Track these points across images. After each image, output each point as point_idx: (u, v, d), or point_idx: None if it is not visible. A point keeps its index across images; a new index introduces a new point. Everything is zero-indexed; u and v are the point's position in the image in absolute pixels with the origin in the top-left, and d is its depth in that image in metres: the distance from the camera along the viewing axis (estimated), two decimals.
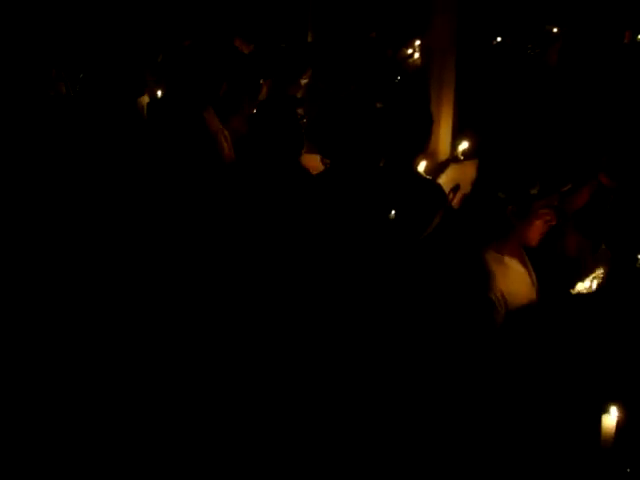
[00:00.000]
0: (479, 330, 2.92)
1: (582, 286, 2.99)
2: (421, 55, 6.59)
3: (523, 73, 6.64)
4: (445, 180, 4.23)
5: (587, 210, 3.70)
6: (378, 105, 4.54)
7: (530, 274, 3.15)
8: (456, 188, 3.95)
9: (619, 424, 2.24)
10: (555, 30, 9.29)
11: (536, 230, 3.03)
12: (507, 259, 3.05)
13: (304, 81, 6.36)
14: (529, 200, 2.99)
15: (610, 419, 2.18)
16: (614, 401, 2.26)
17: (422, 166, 4.21)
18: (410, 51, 7.37)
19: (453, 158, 4.56)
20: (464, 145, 4.61)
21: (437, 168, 4.46)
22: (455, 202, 3.84)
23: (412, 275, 3.30)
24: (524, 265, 3.14)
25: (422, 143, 4.01)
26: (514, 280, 3.04)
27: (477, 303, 2.94)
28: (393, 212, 3.35)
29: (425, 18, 5.14)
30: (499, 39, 8.12)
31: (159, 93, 5.83)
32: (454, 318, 2.97)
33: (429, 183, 3.94)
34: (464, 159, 4.57)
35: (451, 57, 5.03)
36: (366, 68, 6.30)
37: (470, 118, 5.21)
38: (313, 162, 4.08)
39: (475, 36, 7.16)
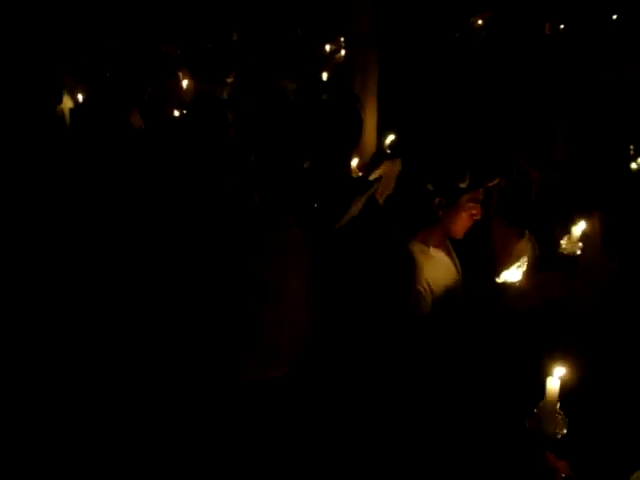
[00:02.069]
0: (407, 320, 2.95)
1: (507, 274, 3.02)
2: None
3: (447, 66, 6.72)
4: (379, 174, 4.24)
5: (511, 199, 3.75)
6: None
7: (455, 264, 3.19)
8: (379, 179, 3.97)
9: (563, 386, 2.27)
10: (480, 22, 9.45)
11: (462, 222, 3.08)
12: (433, 250, 3.09)
13: (229, 80, 6.33)
14: (457, 193, 3.03)
15: (554, 381, 2.21)
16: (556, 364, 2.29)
17: (355, 162, 4.22)
18: (335, 47, 7.37)
19: (384, 153, 4.57)
20: (391, 139, 4.63)
21: (370, 164, 4.47)
22: (380, 194, 3.86)
23: (336, 266, 3.32)
24: (449, 256, 3.18)
25: (353, 140, 4.04)
26: (440, 270, 3.07)
27: (404, 294, 2.96)
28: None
29: (346, 14, 5.15)
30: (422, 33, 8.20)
31: (80, 98, 5.72)
32: (382, 309, 2.98)
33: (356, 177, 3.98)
34: (391, 153, 4.59)
35: (373, 52, 5.06)
36: (292, 66, 6.28)
37: (394, 112, 5.25)
38: None
39: (397, 30, 7.22)
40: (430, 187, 3.01)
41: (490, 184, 3.12)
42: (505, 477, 2.37)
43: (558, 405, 2.26)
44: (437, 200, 3.02)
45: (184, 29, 8.16)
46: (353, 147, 4.10)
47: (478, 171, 3.04)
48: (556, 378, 2.19)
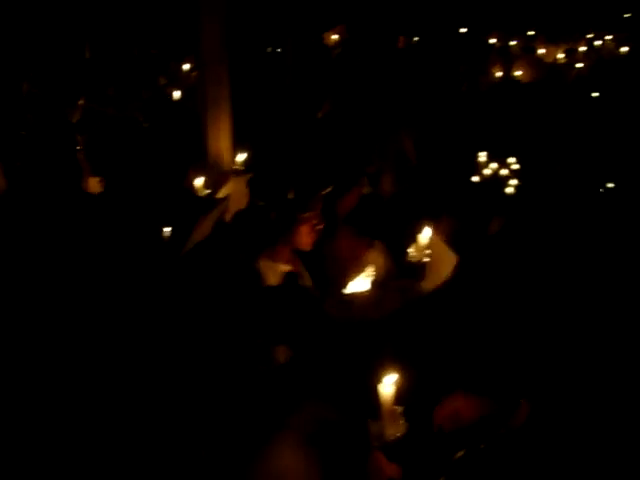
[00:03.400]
0: (257, 336, 2.94)
1: (354, 285, 3.07)
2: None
3: (299, 82, 6.81)
4: (226, 192, 4.23)
5: (361, 209, 3.82)
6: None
7: (305, 278, 3.21)
8: (224, 198, 3.97)
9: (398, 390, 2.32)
10: (333, 37, 9.66)
11: (304, 235, 3.10)
12: (280, 265, 3.10)
13: (80, 103, 6.18)
14: (288, 206, 3.05)
15: (386, 387, 2.27)
16: (387, 371, 2.34)
17: (200, 181, 4.18)
18: (188, 66, 7.34)
19: (233, 170, 4.57)
20: (243, 156, 4.64)
21: (218, 181, 4.45)
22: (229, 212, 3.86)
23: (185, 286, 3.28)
24: (298, 270, 3.20)
25: (192, 158, 4.02)
26: None
27: (254, 312, 2.95)
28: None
29: (195, 33, 5.12)
30: (269, 49, 8.29)
31: None
32: (230, 326, 2.97)
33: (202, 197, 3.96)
34: (245, 170, 4.60)
35: (224, 70, 5.05)
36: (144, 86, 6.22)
37: (248, 129, 5.27)
38: None
39: (246, 48, 7.26)
40: (261, 203, 3.03)
41: (322, 193, 3.16)
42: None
43: (399, 409, 2.31)
44: (272, 215, 3.04)
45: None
46: (189, 166, 4.07)
47: (305, 182, 3.08)
48: (388, 384, 2.24)
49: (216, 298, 3.04)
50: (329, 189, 3.18)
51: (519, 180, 6.08)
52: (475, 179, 5.96)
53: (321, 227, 3.13)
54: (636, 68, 9.07)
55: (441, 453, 2.18)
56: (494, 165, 6.12)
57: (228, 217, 3.74)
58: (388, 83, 7.25)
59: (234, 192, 4.10)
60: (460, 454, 2.17)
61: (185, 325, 3.07)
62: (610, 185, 6.16)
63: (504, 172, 6.15)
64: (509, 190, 6.02)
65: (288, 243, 3.13)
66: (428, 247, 3.44)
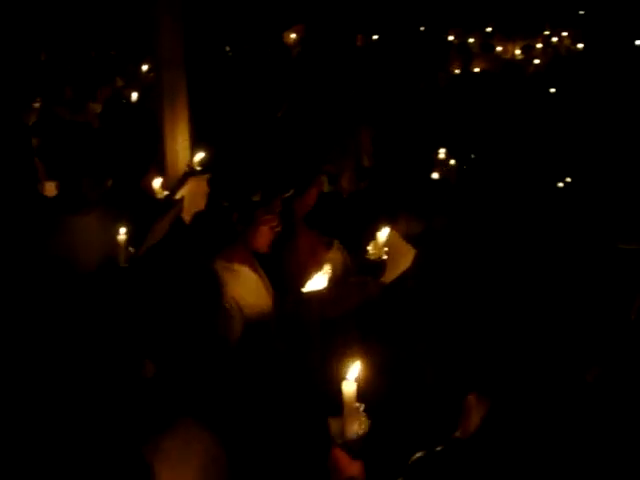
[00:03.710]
0: (215, 338, 2.93)
1: (312, 283, 3.07)
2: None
3: (259, 81, 6.80)
4: (184, 193, 4.21)
5: (318, 209, 3.83)
6: None
7: (263, 279, 3.21)
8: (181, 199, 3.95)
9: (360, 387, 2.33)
10: (292, 36, 9.66)
11: (262, 236, 3.10)
12: (237, 266, 3.09)
13: (36, 105, 6.12)
14: (252, 207, 3.05)
15: (349, 384, 2.27)
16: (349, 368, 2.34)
17: (157, 182, 4.16)
18: (147, 67, 7.29)
19: (191, 170, 4.55)
20: (200, 156, 4.62)
21: (176, 182, 4.43)
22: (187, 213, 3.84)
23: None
24: (255, 271, 3.19)
25: (146, 160, 3.99)
26: (246, 287, 3.08)
27: (210, 313, 2.94)
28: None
29: (152, 34, 5.09)
30: (228, 49, 8.27)
31: None
32: (191, 328, 2.95)
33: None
34: (202, 170, 4.58)
35: (181, 71, 5.02)
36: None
37: (206, 129, 5.25)
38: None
39: (204, 47, 7.24)
40: (225, 203, 3.02)
41: (285, 196, 3.16)
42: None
43: (361, 406, 2.31)
44: (235, 216, 3.03)
45: None
46: (147, 166, 4.05)
47: (270, 184, 3.08)
48: (351, 381, 2.24)
49: (170, 300, 3.03)
50: (291, 192, 3.19)
51: (477, 176, 6.15)
52: (435, 176, 6.01)
53: (279, 229, 3.13)
54: (591, 64, 9.22)
55: (400, 453, 2.19)
56: (453, 161, 6.18)
57: (187, 218, 3.73)
58: (347, 81, 7.27)
59: (191, 193, 4.09)
60: (418, 455, 2.17)
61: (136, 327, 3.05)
62: (568, 180, 6.25)
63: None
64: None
65: (245, 244, 3.12)
66: (386, 245, 3.46)
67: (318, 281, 3.07)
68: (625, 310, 2.64)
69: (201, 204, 3.71)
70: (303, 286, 3.07)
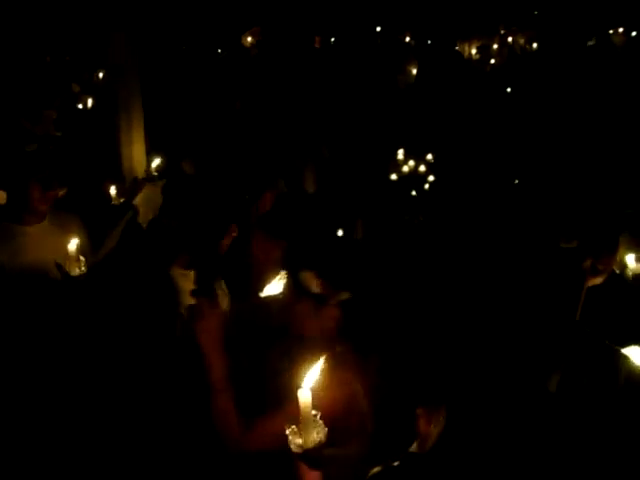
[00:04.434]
0: (172, 343, 2.93)
1: (269, 288, 3.06)
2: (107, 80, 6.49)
3: (215, 85, 6.78)
4: (139, 200, 4.19)
5: (274, 212, 3.84)
6: None
7: (220, 284, 3.21)
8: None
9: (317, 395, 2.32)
10: (250, 39, 9.64)
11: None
12: (193, 273, 3.08)
13: None
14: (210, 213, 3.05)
15: (304, 392, 2.26)
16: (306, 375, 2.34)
17: (113, 189, 4.13)
18: (102, 74, 7.22)
19: (148, 177, 4.52)
20: (157, 162, 4.60)
21: (131, 189, 4.39)
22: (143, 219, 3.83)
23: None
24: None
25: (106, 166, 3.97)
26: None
27: (167, 318, 2.95)
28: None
29: (104, 39, 5.05)
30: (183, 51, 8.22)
31: None
32: (147, 334, 2.95)
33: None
34: (159, 176, 4.56)
35: (135, 77, 4.99)
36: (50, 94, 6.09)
37: (162, 136, 5.22)
38: None
39: (158, 53, 7.21)
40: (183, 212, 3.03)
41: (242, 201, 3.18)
42: None
43: (317, 414, 2.31)
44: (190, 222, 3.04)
45: None
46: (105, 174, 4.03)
47: (226, 189, 3.09)
48: (306, 389, 2.24)
49: (127, 305, 3.03)
50: (247, 197, 3.20)
51: (435, 176, 6.20)
52: (393, 177, 6.06)
53: (235, 234, 3.14)
54: (546, 64, 9.34)
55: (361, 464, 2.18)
56: (411, 162, 6.23)
57: (143, 224, 3.71)
58: (305, 83, 7.29)
59: (145, 199, 4.07)
60: (375, 470, 2.16)
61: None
62: (522, 178, 6.34)
63: (422, 169, 6.28)
64: (426, 186, 6.15)
65: None
66: None
67: (275, 286, 3.06)
68: (570, 311, 2.68)
69: (155, 210, 3.71)
70: (260, 291, 3.06)
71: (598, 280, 2.89)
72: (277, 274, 3.17)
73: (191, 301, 2.96)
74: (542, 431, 2.34)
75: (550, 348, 2.49)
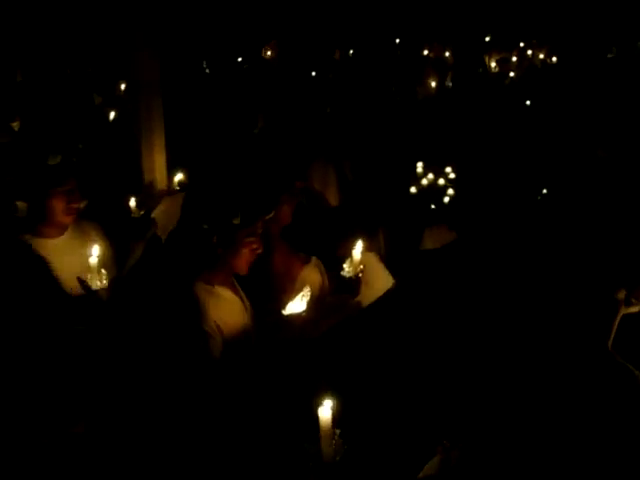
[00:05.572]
0: (197, 361, 2.93)
1: (292, 306, 3.05)
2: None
3: (238, 99, 6.81)
4: (158, 212, 4.21)
5: (296, 226, 3.83)
6: None
7: (243, 301, 3.20)
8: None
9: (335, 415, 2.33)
10: (269, 53, 9.68)
11: (243, 258, 3.09)
12: (218, 289, 3.07)
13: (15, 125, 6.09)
14: (233, 230, 3.05)
15: (325, 410, 2.27)
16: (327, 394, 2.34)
17: (133, 201, 4.15)
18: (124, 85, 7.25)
19: (168, 190, 4.55)
20: (179, 176, 4.62)
21: (151, 201, 4.41)
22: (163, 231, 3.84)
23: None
24: (236, 293, 3.18)
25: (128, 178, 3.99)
26: (227, 309, 3.06)
27: (192, 336, 2.94)
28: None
29: (128, 55, 5.08)
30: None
31: None
32: (173, 352, 2.95)
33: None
34: (180, 190, 4.58)
35: (158, 90, 5.02)
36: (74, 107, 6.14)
37: (184, 150, 5.25)
38: None
39: (181, 67, 7.24)
40: (205, 226, 3.02)
41: (266, 218, 3.17)
42: None
43: (337, 431, 2.32)
44: (215, 239, 3.03)
45: None
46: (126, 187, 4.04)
47: (251, 207, 3.09)
48: (327, 407, 2.25)
49: (150, 323, 3.02)
50: (272, 214, 3.20)
51: (455, 189, 6.19)
52: (413, 190, 6.05)
53: (260, 251, 3.13)
54: (566, 77, 9.32)
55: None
56: (431, 175, 6.22)
57: (162, 236, 3.72)
58: (325, 96, 7.31)
59: (166, 211, 4.08)
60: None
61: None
62: (545, 191, 6.30)
63: (441, 182, 6.26)
64: (446, 200, 6.13)
65: (226, 267, 3.11)
66: (363, 262, 3.46)
67: (298, 304, 3.05)
68: (602, 338, 2.65)
69: (173, 224, 3.70)
70: (283, 308, 3.06)
71: (633, 309, 2.86)
72: (298, 288, 3.17)
73: None
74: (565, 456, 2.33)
75: (580, 375, 2.47)
